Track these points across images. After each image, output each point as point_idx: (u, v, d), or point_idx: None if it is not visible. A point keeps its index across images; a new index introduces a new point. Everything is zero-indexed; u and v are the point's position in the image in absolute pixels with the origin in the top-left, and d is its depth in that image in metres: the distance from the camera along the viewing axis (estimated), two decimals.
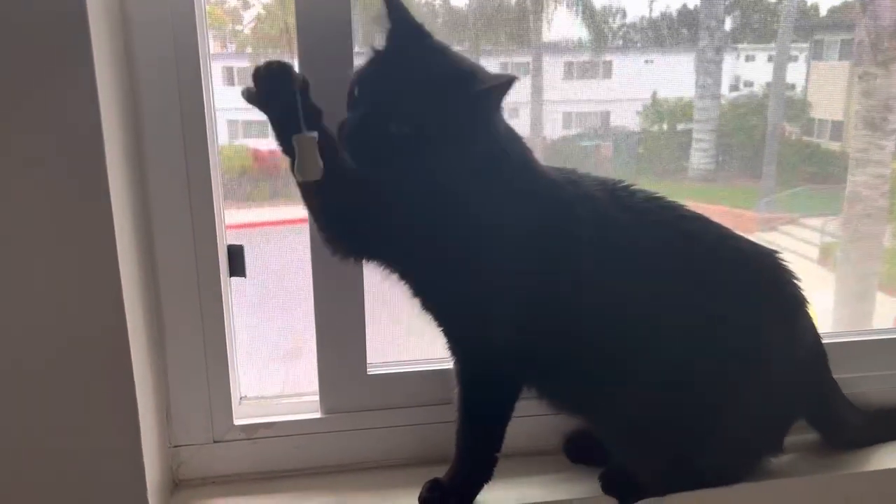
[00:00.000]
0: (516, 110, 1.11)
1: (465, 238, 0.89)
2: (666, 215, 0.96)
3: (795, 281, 0.99)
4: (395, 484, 1.08)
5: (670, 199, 0.98)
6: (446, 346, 0.98)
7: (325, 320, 1.07)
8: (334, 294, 1.06)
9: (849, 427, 1.12)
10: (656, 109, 1.23)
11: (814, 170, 1.35)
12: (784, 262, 0.99)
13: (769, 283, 0.98)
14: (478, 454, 1.00)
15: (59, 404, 0.92)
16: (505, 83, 0.81)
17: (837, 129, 1.32)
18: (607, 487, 1.05)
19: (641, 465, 1.02)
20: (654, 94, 1.21)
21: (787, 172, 1.30)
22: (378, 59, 0.87)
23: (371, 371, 1.11)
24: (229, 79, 1.11)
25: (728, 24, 1.17)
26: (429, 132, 0.83)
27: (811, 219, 1.39)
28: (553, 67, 1.13)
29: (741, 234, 1.01)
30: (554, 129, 1.04)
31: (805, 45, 1.23)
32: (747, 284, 0.97)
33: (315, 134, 0.87)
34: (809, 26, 1.18)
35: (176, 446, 1.07)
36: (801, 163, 1.32)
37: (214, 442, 1.08)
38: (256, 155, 1.17)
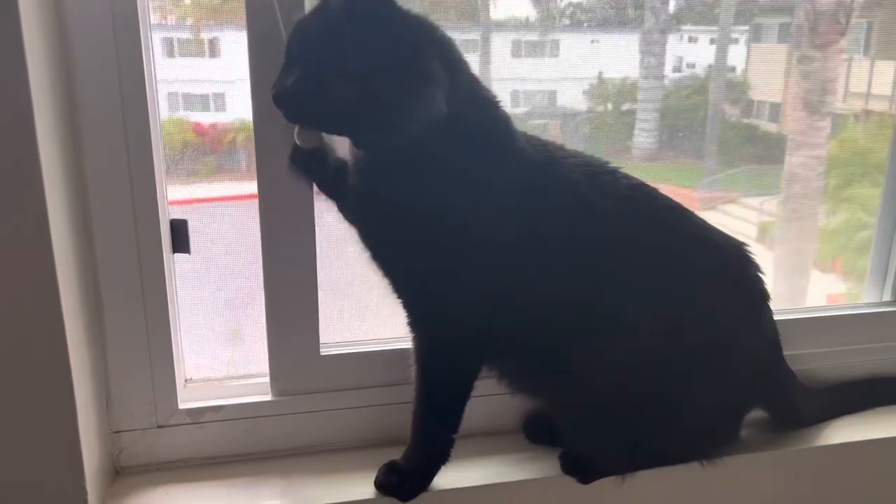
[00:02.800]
0: None
1: (431, 207, 0.86)
2: (644, 204, 0.94)
3: (760, 275, 0.99)
4: (349, 467, 1.05)
5: (651, 186, 0.96)
6: (406, 320, 0.95)
7: (276, 299, 1.02)
8: (285, 271, 1.02)
9: (800, 410, 1.13)
10: (602, 89, 1.22)
11: (753, 150, 1.36)
12: (752, 256, 0.99)
13: (737, 275, 0.98)
14: (435, 435, 0.97)
15: None
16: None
17: (775, 111, 1.33)
18: (567, 467, 1.04)
19: (601, 446, 1.01)
20: (600, 73, 1.20)
21: (727, 153, 1.31)
22: (320, 10, 0.81)
23: (324, 351, 1.07)
24: (170, 51, 1.05)
25: (672, 6, 1.17)
26: (372, 99, 0.79)
27: (750, 198, 1.40)
28: (501, 45, 1.11)
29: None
30: (503, 107, 1.01)
31: (745, 28, 1.24)
32: (716, 276, 0.96)
33: None
34: (749, 10, 1.18)
35: (117, 432, 1.01)
36: (741, 143, 1.33)
37: (158, 427, 1.03)
38: (197, 128, 1.10)
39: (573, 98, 1.20)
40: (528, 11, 1.13)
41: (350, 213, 0.95)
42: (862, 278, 1.35)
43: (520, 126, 0.92)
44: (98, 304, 0.96)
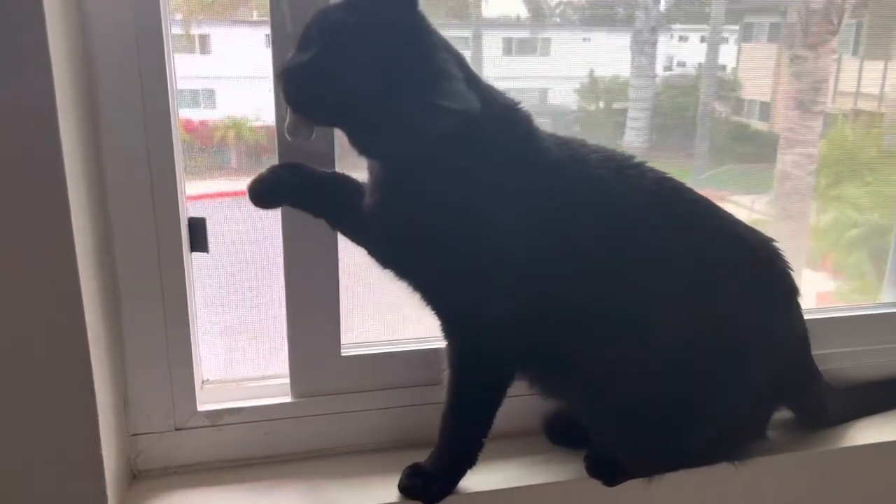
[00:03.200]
0: None
1: (460, 216, 0.84)
2: (673, 197, 0.93)
3: (790, 270, 0.97)
4: (371, 470, 1.03)
5: (678, 180, 0.95)
6: (440, 328, 0.93)
7: (297, 298, 1.00)
8: (306, 270, 0.99)
9: (826, 410, 1.12)
10: (593, 88, 1.22)
11: (744, 149, 1.36)
12: (781, 251, 0.97)
13: (768, 271, 0.96)
14: (466, 439, 0.96)
15: (7, 392, 0.84)
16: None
17: (766, 110, 1.34)
18: (593, 469, 1.02)
19: (628, 448, 1.00)
20: (592, 72, 1.19)
21: (718, 151, 1.30)
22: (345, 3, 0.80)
23: (345, 352, 1.04)
24: None
25: (663, 5, 1.16)
26: (395, 89, 0.77)
27: (741, 196, 1.39)
28: (492, 43, 1.10)
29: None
30: (523, 108, 1.00)
31: (736, 27, 1.23)
32: (748, 272, 0.95)
33: None
34: (740, 9, 1.18)
35: (135, 435, 0.99)
36: (731, 142, 1.33)
37: (176, 429, 1.00)
38: (187, 126, 1.08)
39: (564, 96, 1.19)
40: (520, 9, 1.12)
41: (364, 232, 0.92)
42: (851, 276, 1.35)
43: None
44: (117, 304, 0.93)
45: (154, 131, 0.89)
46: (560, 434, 1.09)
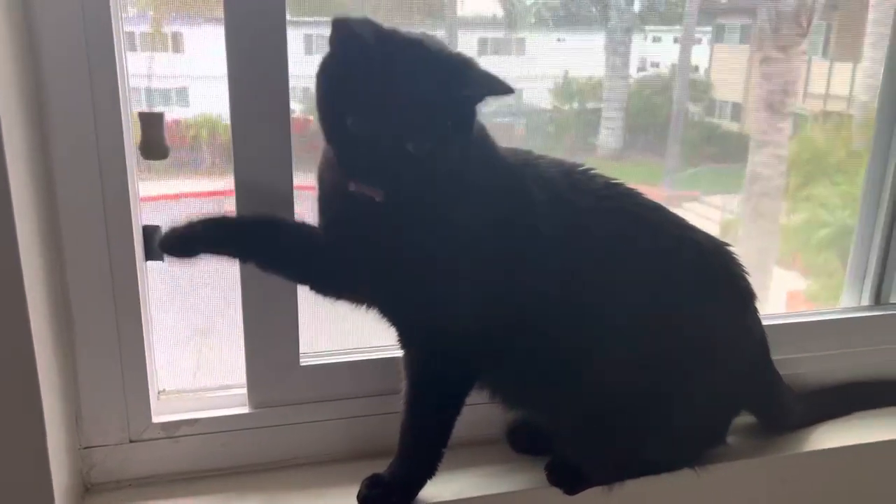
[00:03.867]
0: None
1: (428, 232, 0.84)
2: (624, 202, 0.93)
3: (745, 274, 0.98)
4: (330, 481, 1.02)
5: (629, 185, 0.95)
6: (398, 339, 0.92)
7: (254, 307, 0.99)
8: (263, 278, 0.98)
9: (789, 414, 1.12)
10: (567, 88, 1.22)
11: (715, 149, 1.37)
12: (736, 256, 0.98)
13: (724, 276, 0.97)
14: (425, 449, 0.95)
15: None
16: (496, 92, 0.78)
17: (737, 111, 1.35)
18: (553, 478, 1.02)
19: (589, 456, 0.99)
20: (566, 72, 1.19)
21: (690, 151, 1.31)
22: (357, 62, 0.78)
23: (304, 362, 1.03)
24: (130, 44, 1.01)
25: (637, 6, 1.17)
26: (445, 144, 0.79)
27: (713, 196, 1.41)
28: (467, 43, 1.10)
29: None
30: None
31: (708, 29, 1.24)
32: (703, 277, 0.95)
33: (162, 111, 0.84)
34: (712, 10, 1.19)
35: (87, 447, 0.97)
36: (703, 142, 1.34)
37: (131, 442, 0.98)
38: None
39: (539, 96, 1.19)
40: (495, 9, 1.11)
41: (312, 265, 0.91)
42: (820, 275, 1.36)
43: (488, 125, 0.90)
44: (67, 314, 0.91)
45: (105, 132, 0.87)
46: (522, 442, 1.09)
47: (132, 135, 0.92)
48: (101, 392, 0.95)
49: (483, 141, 0.88)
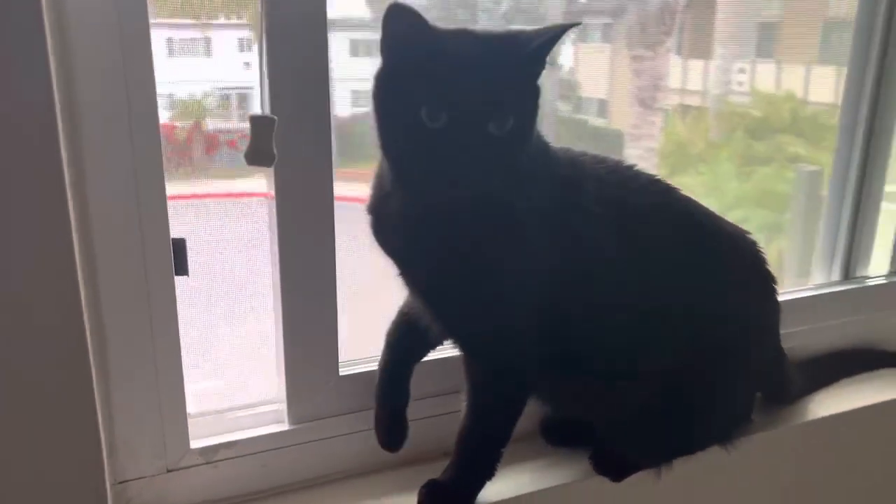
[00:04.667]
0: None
1: (495, 237, 0.82)
2: (668, 198, 0.95)
3: (767, 261, 1.02)
4: (380, 492, 0.99)
5: (666, 181, 0.97)
6: (461, 349, 0.91)
7: (294, 317, 0.94)
8: (303, 284, 0.93)
9: (792, 386, 1.19)
10: None
11: (586, 146, 1.41)
12: (757, 243, 1.02)
13: (754, 262, 1.01)
14: (487, 452, 0.93)
15: None
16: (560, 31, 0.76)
17: (603, 107, 1.38)
18: (600, 467, 1.03)
19: (636, 443, 1.01)
20: None
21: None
22: (416, 52, 0.76)
23: (343, 371, 0.99)
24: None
25: (503, 7, 1.17)
26: (523, 122, 0.77)
27: None
28: (339, 45, 1.06)
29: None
30: (343, 107, 1.01)
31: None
32: (740, 266, 0.99)
33: (274, 117, 0.80)
34: (576, 11, 1.21)
35: (122, 482, 0.88)
36: (575, 139, 1.37)
37: (168, 471, 0.91)
38: None
39: None
40: (363, 11, 1.09)
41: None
42: None
43: (363, 126, 0.91)
44: (101, 336, 0.83)
45: (141, 142, 0.80)
46: (558, 436, 1.10)
47: (164, 144, 0.84)
48: (137, 418, 0.88)
49: (538, 138, 0.87)
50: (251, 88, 0.91)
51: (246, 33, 0.99)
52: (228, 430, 0.95)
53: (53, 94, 0.67)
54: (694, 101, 1.41)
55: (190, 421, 0.95)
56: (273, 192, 0.90)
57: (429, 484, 0.94)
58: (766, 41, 1.39)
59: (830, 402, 1.23)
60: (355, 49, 1.08)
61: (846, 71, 1.32)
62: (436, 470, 0.97)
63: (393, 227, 0.86)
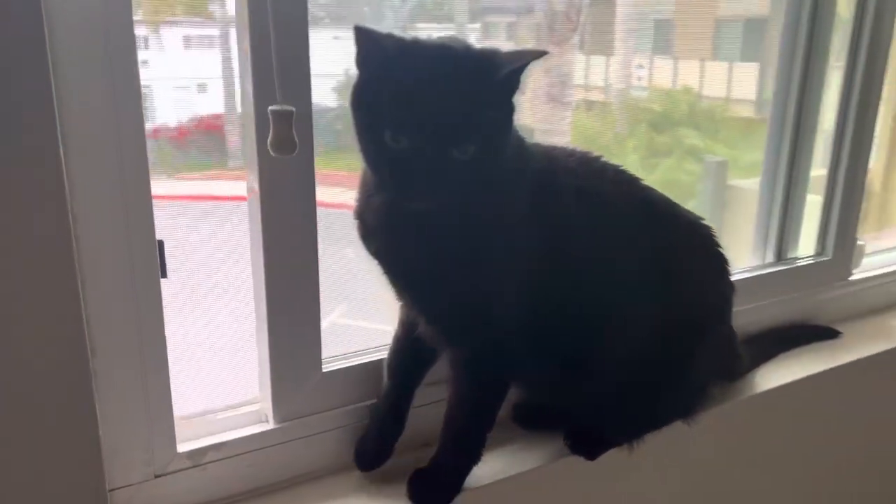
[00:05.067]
0: (205, 86, 1.06)
1: (479, 232, 0.85)
2: (632, 187, 1.00)
3: (720, 245, 1.09)
4: (366, 484, 1.00)
5: (628, 171, 1.02)
6: (443, 338, 0.93)
7: (279, 315, 0.94)
8: (286, 282, 0.94)
9: (741, 362, 1.27)
10: (349, 86, 1.23)
11: None
12: (712, 228, 1.08)
13: (710, 246, 1.07)
14: (474, 437, 0.96)
15: None
16: (532, 57, 0.79)
17: None
18: (575, 447, 1.07)
19: (609, 422, 1.06)
20: (347, 70, 1.21)
21: None
22: (383, 75, 0.78)
23: (327, 367, 1.00)
24: None
25: (409, 4, 1.17)
26: (490, 145, 0.79)
27: None
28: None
29: None
30: (249, 103, 0.98)
31: (477, 26, 1.27)
32: (699, 250, 1.05)
33: (292, 109, 0.81)
34: (480, 9, 1.23)
35: (111, 490, 0.86)
36: None
37: (156, 477, 0.89)
38: None
39: (323, 95, 1.16)
40: None
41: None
42: None
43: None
44: (91, 347, 0.81)
45: (127, 139, 0.79)
46: (530, 420, 1.13)
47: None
48: (125, 425, 0.86)
49: (514, 132, 0.90)
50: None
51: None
52: (214, 432, 0.95)
53: (52, 92, 0.65)
54: (598, 96, 1.46)
55: (179, 424, 0.93)
56: (249, 194, 0.90)
57: (417, 472, 0.97)
58: (663, 38, 1.46)
59: (773, 376, 1.32)
60: None
61: (774, 67, 1.42)
62: (420, 459, 0.99)
63: (376, 227, 0.88)
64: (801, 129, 1.43)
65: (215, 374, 1.03)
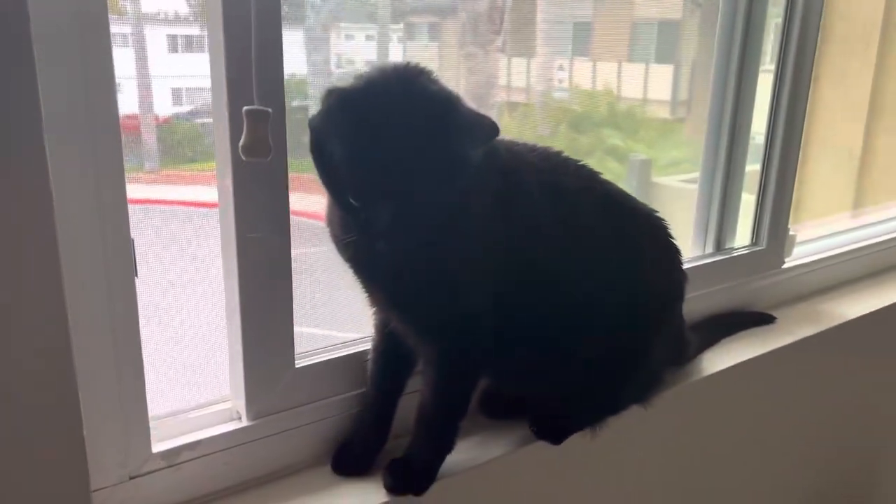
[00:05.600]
0: (120, 85, 1.07)
1: (448, 240, 0.88)
2: (593, 182, 1.05)
3: (672, 234, 1.15)
4: (341, 479, 1.01)
5: (588, 165, 1.06)
6: (412, 332, 0.95)
7: (250, 312, 0.94)
8: (260, 278, 0.94)
9: (689, 348, 1.33)
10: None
11: None
12: (664, 220, 1.13)
13: (664, 237, 1.12)
14: (448, 426, 0.99)
15: None
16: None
17: None
18: (541, 433, 1.11)
19: (573, 408, 1.11)
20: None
21: None
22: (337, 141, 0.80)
23: (300, 363, 1.00)
24: None
25: (331, 3, 1.18)
26: (450, 189, 0.82)
27: None
28: (156, 40, 1.03)
29: None
30: (164, 105, 1.01)
31: (400, 27, 1.28)
32: (656, 242, 1.11)
33: (269, 110, 0.81)
34: (403, 10, 1.24)
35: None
36: None
37: (131, 479, 0.88)
38: None
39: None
40: (179, 5, 1.05)
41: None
42: None
43: (188, 126, 0.95)
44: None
45: (101, 136, 0.78)
46: (496, 409, 1.16)
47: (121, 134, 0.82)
48: (100, 426, 0.84)
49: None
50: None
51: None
52: (187, 431, 0.94)
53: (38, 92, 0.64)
54: (521, 97, 1.49)
55: (153, 424, 0.92)
56: (222, 192, 0.90)
57: (392, 463, 0.98)
58: (582, 40, 1.50)
59: (717, 360, 1.40)
60: (174, 45, 1.05)
61: (712, 69, 1.50)
62: (393, 450, 1.01)
63: (346, 233, 0.89)
64: (736, 128, 1.51)
65: (188, 372, 1.01)
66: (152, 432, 0.91)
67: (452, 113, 0.82)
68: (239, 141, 0.82)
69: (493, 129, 0.83)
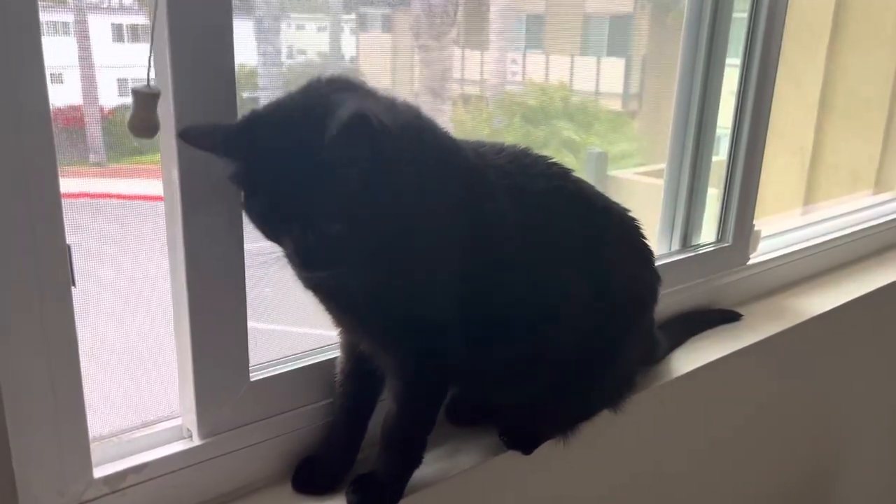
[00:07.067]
0: (61, 76, 0.98)
1: (406, 245, 0.82)
2: (564, 181, 1.00)
3: (644, 234, 1.11)
4: (301, 497, 0.94)
5: (560, 163, 1.02)
6: (378, 345, 0.90)
7: (201, 324, 0.87)
8: (211, 288, 0.87)
9: (659, 348, 1.30)
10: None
11: None
12: (636, 220, 1.10)
13: (636, 237, 1.09)
14: (416, 441, 0.94)
15: None
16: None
17: None
18: (511, 443, 1.07)
19: (542, 418, 1.06)
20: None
21: None
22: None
23: (255, 376, 0.93)
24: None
25: None
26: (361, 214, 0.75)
27: None
28: (101, 29, 0.98)
29: None
30: (110, 96, 0.95)
31: (352, 17, 1.25)
32: (628, 243, 1.07)
33: (158, 90, 0.76)
34: (354, 1, 1.22)
35: None
36: None
37: None
38: None
39: None
40: None
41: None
42: None
43: None
44: None
45: (29, 128, 0.70)
46: (464, 417, 1.12)
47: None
48: (34, 452, 0.77)
49: (433, 137, 0.86)
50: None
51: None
52: (132, 453, 0.87)
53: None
54: (474, 90, 1.46)
55: (93, 447, 0.85)
56: (167, 188, 0.83)
57: (358, 479, 0.93)
58: (535, 33, 1.48)
59: (686, 360, 1.37)
60: (119, 34, 0.99)
61: (678, 66, 1.47)
62: (359, 463, 0.95)
63: None
64: (702, 125, 1.48)
65: (133, 387, 0.94)
66: (93, 455, 0.83)
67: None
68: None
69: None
